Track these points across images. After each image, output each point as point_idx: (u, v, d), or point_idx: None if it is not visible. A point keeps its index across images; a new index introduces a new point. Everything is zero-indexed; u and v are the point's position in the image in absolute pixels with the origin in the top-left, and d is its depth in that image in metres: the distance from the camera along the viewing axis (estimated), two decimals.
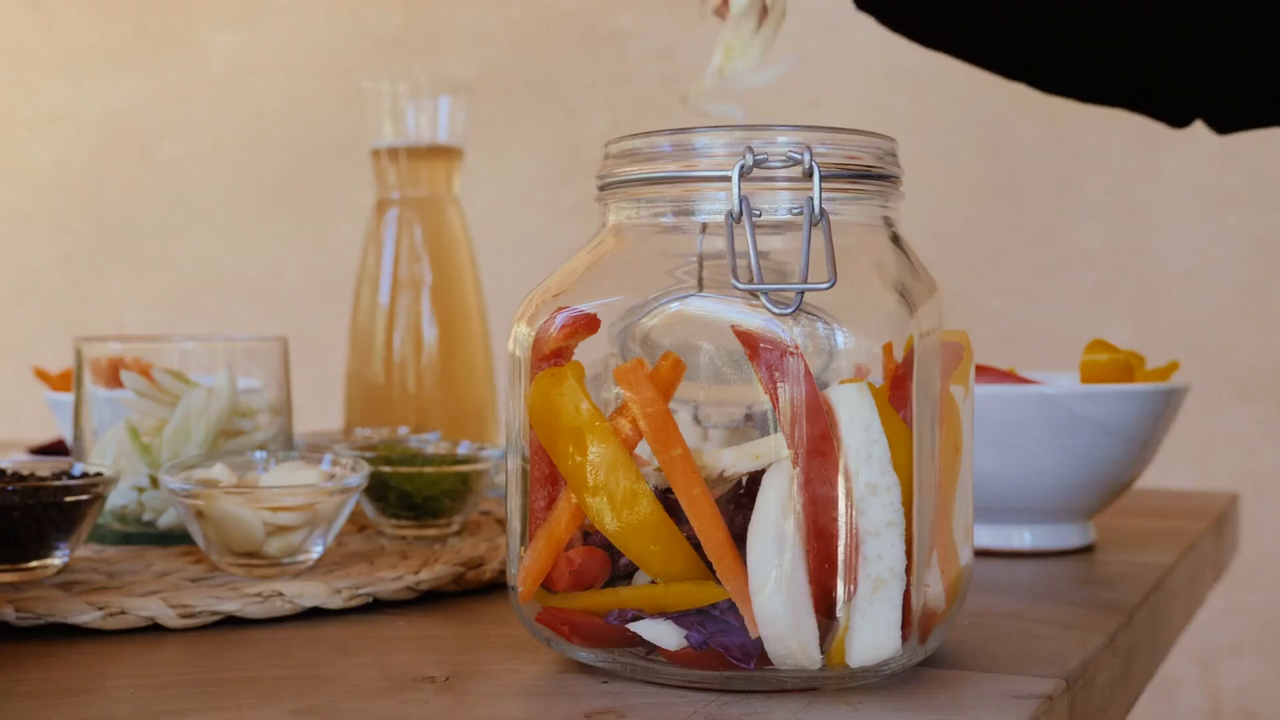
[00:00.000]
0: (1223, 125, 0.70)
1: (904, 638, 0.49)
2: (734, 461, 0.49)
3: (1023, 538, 0.80)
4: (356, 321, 1.04)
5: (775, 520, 0.47)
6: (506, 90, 2.05)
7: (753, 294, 0.48)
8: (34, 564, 0.66)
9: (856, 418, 0.48)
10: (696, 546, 0.49)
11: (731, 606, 0.48)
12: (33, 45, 2.44)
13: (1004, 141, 1.73)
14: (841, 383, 0.48)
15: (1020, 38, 0.69)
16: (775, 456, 0.48)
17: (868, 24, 0.84)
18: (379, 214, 1.04)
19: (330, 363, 2.05)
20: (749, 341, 0.48)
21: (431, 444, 0.87)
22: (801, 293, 0.48)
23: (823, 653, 0.48)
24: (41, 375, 1.09)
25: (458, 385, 1.03)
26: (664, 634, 0.49)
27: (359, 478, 0.69)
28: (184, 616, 0.60)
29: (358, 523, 0.83)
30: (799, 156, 0.50)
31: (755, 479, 0.49)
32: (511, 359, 0.53)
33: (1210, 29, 0.64)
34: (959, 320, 0.53)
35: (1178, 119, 0.72)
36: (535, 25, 2.05)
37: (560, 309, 0.52)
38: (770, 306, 0.48)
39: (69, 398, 0.89)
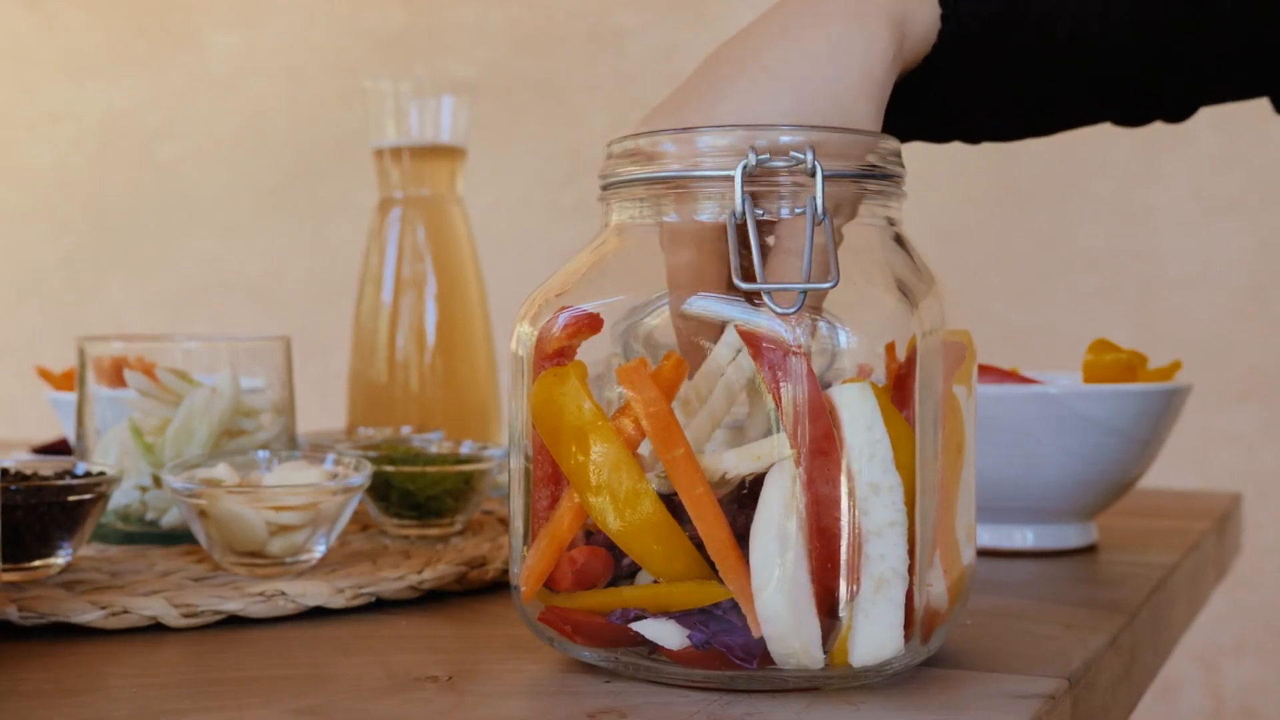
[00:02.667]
0: (1178, 114, 0.70)
1: (906, 637, 0.49)
2: (736, 461, 0.49)
3: (1025, 537, 0.80)
4: (359, 321, 1.04)
5: (778, 520, 0.47)
6: (508, 90, 2.05)
7: (755, 293, 0.48)
8: (37, 563, 0.66)
9: (859, 417, 0.48)
10: (699, 546, 0.49)
11: (734, 606, 0.48)
12: (33, 45, 2.44)
13: (1006, 143, 1.73)
14: (844, 382, 0.48)
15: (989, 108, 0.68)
16: (778, 456, 0.48)
17: None
18: (382, 214, 1.04)
19: (332, 362, 2.05)
20: (752, 341, 0.48)
21: (434, 443, 0.87)
22: (804, 292, 0.48)
23: (825, 652, 0.48)
24: (44, 375, 1.09)
25: (460, 385, 1.03)
26: (666, 633, 0.49)
27: (362, 477, 0.69)
28: (187, 616, 0.60)
29: (360, 522, 0.83)
30: (802, 156, 0.50)
31: (758, 479, 0.49)
32: (514, 358, 0.53)
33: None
34: (961, 320, 0.53)
35: (1137, 120, 0.72)
36: (537, 25, 2.05)
37: (563, 309, 0.52)
38: (773, 306, 0.48)
39: (72, 397, 0.89)
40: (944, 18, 0.57)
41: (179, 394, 0.78)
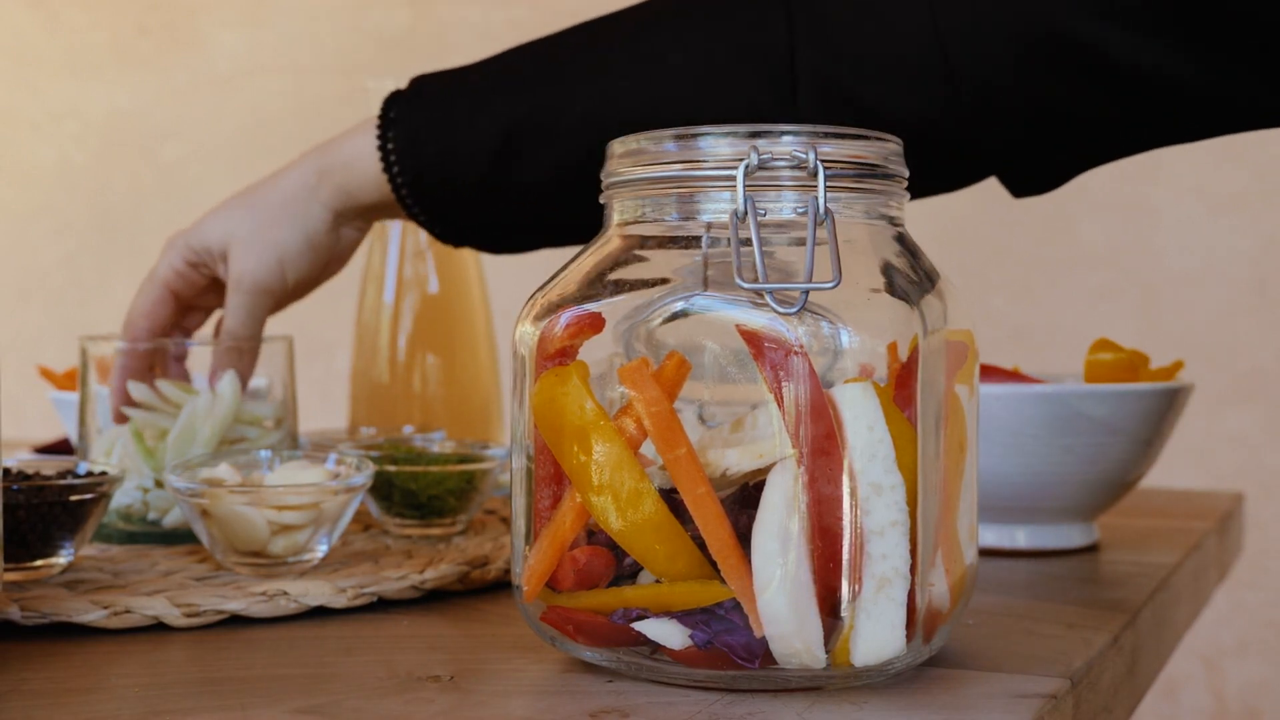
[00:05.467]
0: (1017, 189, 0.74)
1: (908, 637, 0.49)
2: (738, 461, 0.49)
3: (1027, 537, 0.80)
4: (361, 320, 1.04)
5: (780, 519, 0.47)
6: None
7: (757, 293, 0.48)
8: (39, 563, 0.66)
9: (861, 417, 0.48)
10: (701, 546, 0.49)
11: (736, 606, 0.48)
12: (37, 44, 2.44)
13: None
14: (846, 382, 0.48)
15: None
16: (780, 455, 0.48)
17: None
18: None
19: (335, 362, 2.05)
20: (754, 341, 0.48)
21: (436, 443, 0.87)
22: (806, 292, 0.48)
23: (827, 652, 0.48)
24: (46, 374, 1.09)
25: (462, 384, 1.03)
26: (668, 633, 0.49)
27: (364, 477, 0.69)
28: (189, 615, 0.60)
29: (362, 522, 0.83)
30: (804, 156, 0.50)
31: (759, 479, 0.49)
32: (516, 358, 0.53)
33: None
34: (963, 319, 0.53)
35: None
36: (540, 24, 2.04)
37: (565, 308, 0.52)
38: (775, 306, 0.48)
39: (74, 397, 0.89)
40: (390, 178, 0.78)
41: (179, 405, 0.78)
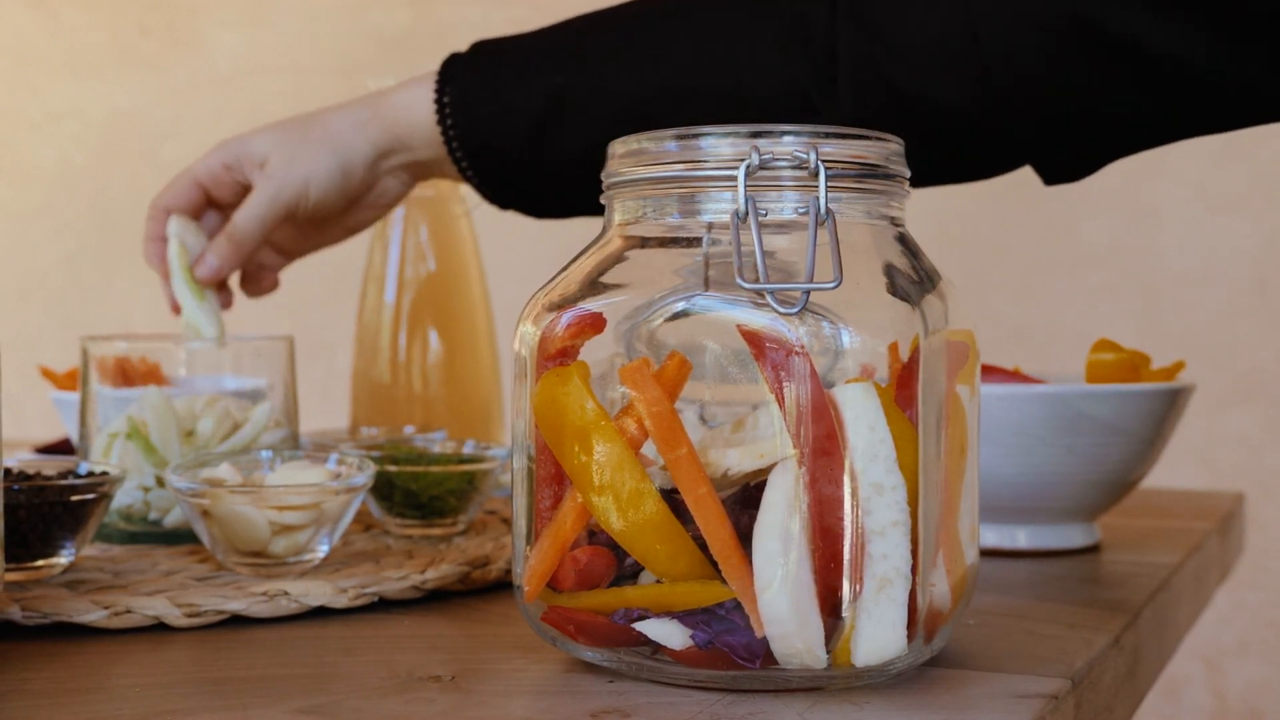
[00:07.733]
0: (1049, 176, 0.74)
1: (909, 637, 0.49)
2: (739, 461, 0.49)
3: (1028, 537, 0.80)
4: (362, 320, 1.04)
5: (781, 520, 0.47)
6: None
7: (758, 293, 0.48)
8: (40, 563, 0.66)
9: (862, 417, 0.48)
10: (702, 546, 0.49)
11: (737, 606, 0.48)
12: (37, 44, 2.44)
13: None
14: (847, 382, 0.48)
15: None
16: (781, 455, 0.48)
17: None
18: None
19: (336, 362, 2.05)
20: (755, 341, 0.48)
21: (437, 443, 0.87)
22: (807, 292, 0.48)
23: (828, 652, 0.48)
24: (47, 374, 1.09)
25: (463, 384, 1.03)
26: (669, 633, 0.49)
27: (364, 477, 0.69)
28: (190, 616, 0.60)
29: (363, 522, 0.83)
30: (805, 156, 0.50)
31: (760, 479, 0.49)
32: (517, 358, 0.53)
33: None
34: (964, 319, 0.53)
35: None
36: (539, 24, 2.04)
37: (566, 308, 0.52)
38: (776, 306, 0.48)
39: (74, 396, 0.89)
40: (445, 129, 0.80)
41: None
